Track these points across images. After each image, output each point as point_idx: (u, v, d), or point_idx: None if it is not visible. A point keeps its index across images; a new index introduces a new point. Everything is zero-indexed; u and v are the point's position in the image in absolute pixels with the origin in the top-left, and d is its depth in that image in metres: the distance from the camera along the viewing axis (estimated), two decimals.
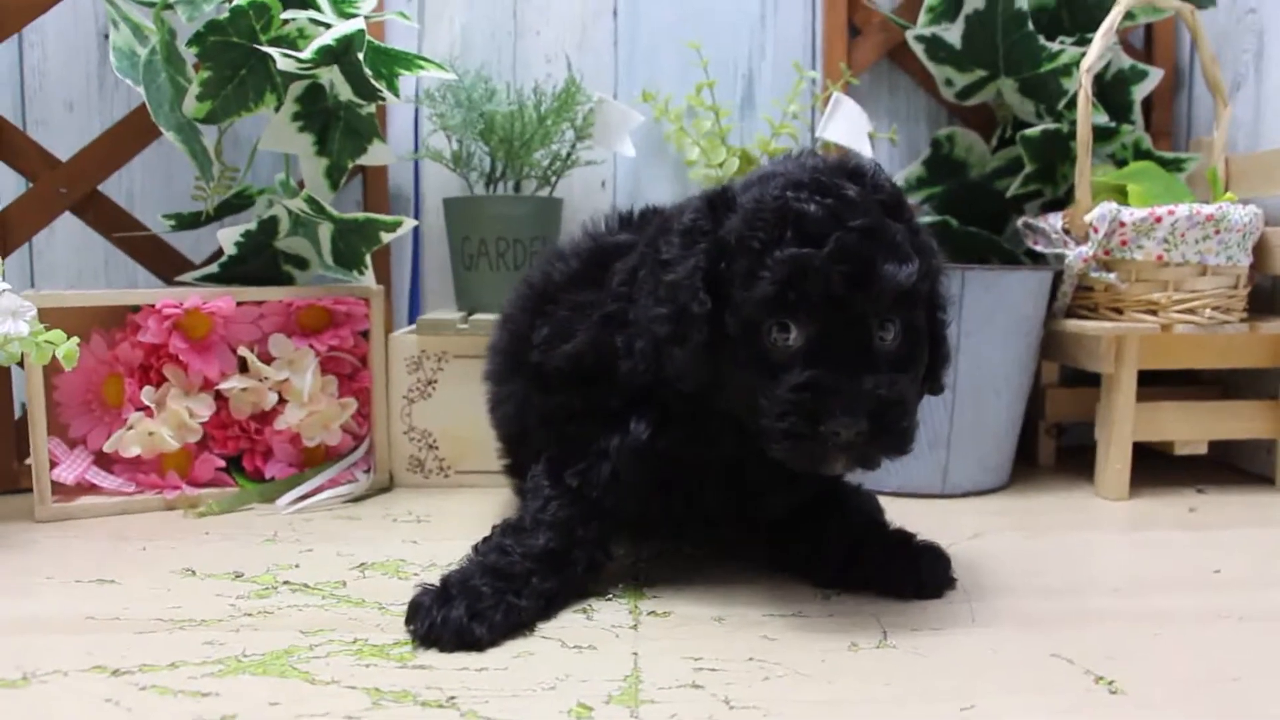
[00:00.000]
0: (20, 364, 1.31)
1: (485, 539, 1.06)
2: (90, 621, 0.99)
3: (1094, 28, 1.53)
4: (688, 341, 0.96)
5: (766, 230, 0.93)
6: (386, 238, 1.49)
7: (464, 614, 0.93)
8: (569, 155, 1.66)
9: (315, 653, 0.91)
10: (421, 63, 1.41)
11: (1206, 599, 1.08)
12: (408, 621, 0.95)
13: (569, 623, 1.00)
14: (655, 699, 0.83)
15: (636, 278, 1.04)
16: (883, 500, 1.19)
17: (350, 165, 1.50)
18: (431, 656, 0.91)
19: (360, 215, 1.47)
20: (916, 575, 1.08)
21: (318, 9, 1.38)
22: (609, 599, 1.07)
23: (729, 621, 1.01)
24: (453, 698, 0.82)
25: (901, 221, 0.96)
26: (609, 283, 1.08)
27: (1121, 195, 1.54)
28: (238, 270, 1.52)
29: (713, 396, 0.99)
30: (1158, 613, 1.03)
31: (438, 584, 0.97)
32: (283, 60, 1.32)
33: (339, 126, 1.48)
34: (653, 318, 0.98)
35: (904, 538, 1.12)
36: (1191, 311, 1.48)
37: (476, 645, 0.92)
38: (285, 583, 1.11)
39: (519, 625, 0.97)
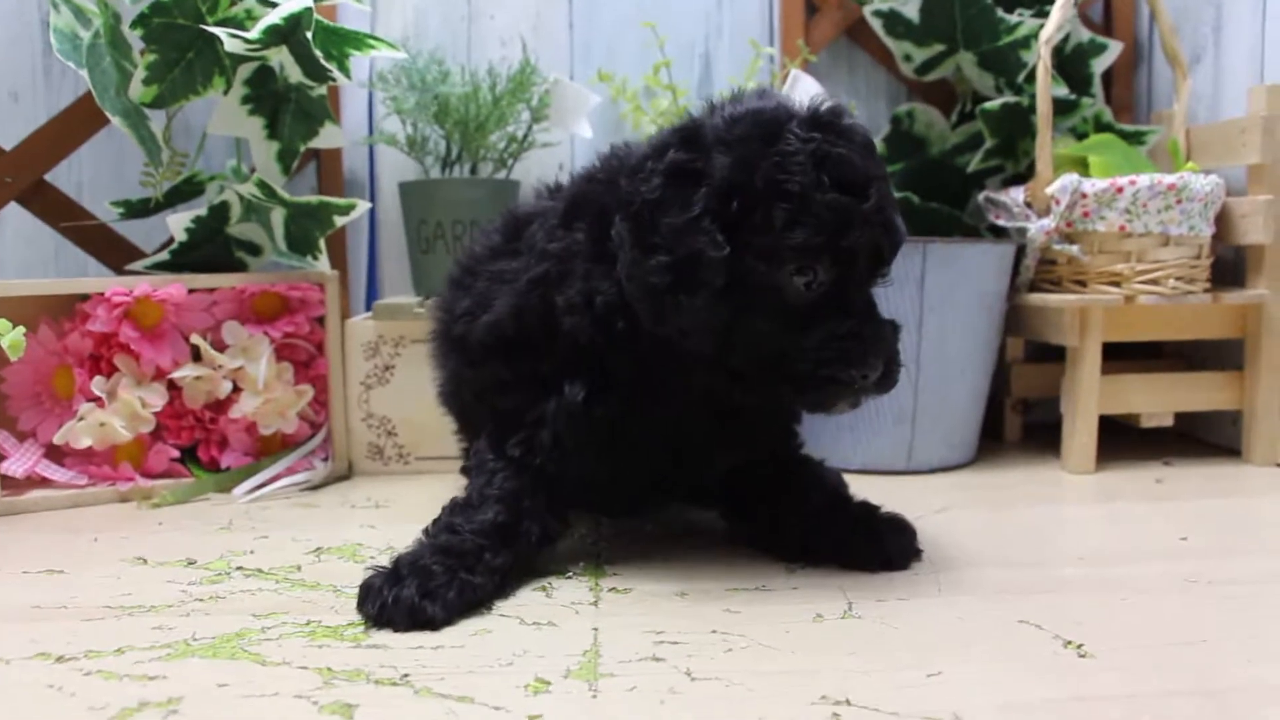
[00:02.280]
0: None
1: (435, 520, 1.03)
2: (36, 610, 0.97)
3: None
4: (702, 289, 0.91)
5: (804, 174, 0.90)
6: (340, 221, 1.47)
7: (415, 593, 0.91)
8: (525, 137, 1.64)
9: (267, 635, 0.89)
10: (372, 42, 1.39)
11: (1174, 566, 1.07)
12: (359, 605, 0.93)
13: (528, 600, 0.98)
14: (615, 672, 0.81)
15: (570, 233, 1.02)
16: (847, 477, 1.18)
17: (302, 148, 1.48)
18: (386, 636, 0.89)
19: (313, 199, 1.45)
20: (882, 547, 1.06)
21: None
22: (569, 577, 1.05)
23: (691, 596, 0.99)
24: (406, 675, 0.80)
25: None
26: (526, 247, 1.07)
27: (1083, 167, 1.53)
28: (189, 257, 1.49)
29: (701, 346, 0.96)
30: (1125, 580, 1.02)
31: (389, 566, 0.95)
32: (230, 41, 1.29)
33: (290, 109, 1.45)
34: (650, 268, 0.92)
35: (868, 510, 1.11)
36: (1155, 282, 1.48)
37: (431, 624, 0.90)
38: (238, 568, 1.08)
39: (475, 603, 0.95)
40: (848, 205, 0.91)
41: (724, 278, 0.91)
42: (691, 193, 0.92)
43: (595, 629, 0.91)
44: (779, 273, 0.92)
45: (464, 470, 1.11)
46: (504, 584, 0.99)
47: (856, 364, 0.93)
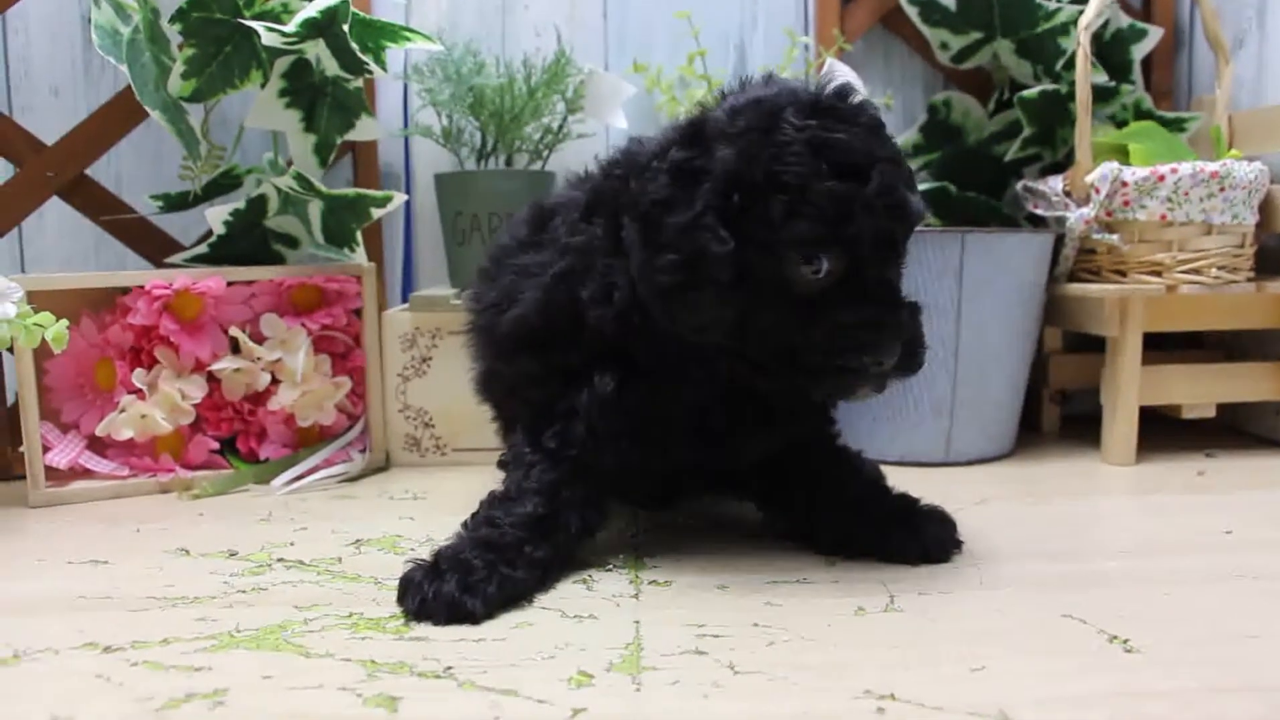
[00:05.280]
0: (10, 349, 1.29)
1: (474, 514, 1.03)
2: (82, 600, 0.97)
3: None
4: (709, 285, 0.91)
5: (800, 163, 0.89)
6: (377, 213, 1.47)
7: (455, 588, 0.91)
8: (560, 128, 1.63)
9: (310, 627, 0.89)
10: (408, 35, 1.39)
11: (1218, 560, 1.06)
12: (399, 599, 0.93)
13: (569, 593, 0.98)
14: (657, 666, 0.81)
15: (591, 227, 1.02)
16: (885, 469, 1.16)
17: (339, 141, 1.48)
18: (428, 629, 0.89)
19: (350, 191, 1.45)
20: (921, 539, 1.06)
21: None
22: (609, 569, 1.05)
23: (732, 589, 0.99)
24: (450, 668, 0.81)
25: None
26: (550, 240, 1.06)
27: (1123, 155, 1.51)
28: (228, 250, 1.50)
29: (715, 340, 0.95)
30: (1169, 573, 1.01)
31: (429, 560, 0.95)
32: (267, 35, 1.29)
33: (326, 102, 1.46)
34: (659, 267, 0.92)
35: (908, 502, 1.10)
36: (1197, 271, 1.46)
37: (471, 618, 0.90)
38: (280, 560, 1.09)
39: (515, 597, 0.94)
40: (848, 192, 0.89)
41: (731, 273, 0.90)
42: (694, 190, 0.91)
43: (637, 622, 0.91)
44: (784, 264, 0.91)
45: (501, 464, 1.11)
46: (545, 577, 0.99)
47: (870, 351, 0.92)
